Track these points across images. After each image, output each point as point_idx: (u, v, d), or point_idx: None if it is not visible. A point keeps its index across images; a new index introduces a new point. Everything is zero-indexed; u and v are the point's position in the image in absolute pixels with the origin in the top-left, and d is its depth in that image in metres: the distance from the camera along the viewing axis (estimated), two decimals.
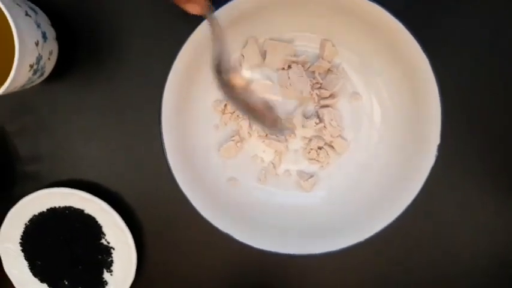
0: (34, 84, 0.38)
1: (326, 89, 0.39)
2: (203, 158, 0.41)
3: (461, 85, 0.40)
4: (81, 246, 0.46)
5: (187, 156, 0.39)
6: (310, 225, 0.40)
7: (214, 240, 0.42)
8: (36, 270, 0.47)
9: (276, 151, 0.42)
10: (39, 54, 0.35)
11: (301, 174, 0.42)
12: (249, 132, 0.41)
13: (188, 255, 0.45)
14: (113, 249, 0.45)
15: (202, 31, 0.34)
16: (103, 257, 0.46)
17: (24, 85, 0.35)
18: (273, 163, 0.42)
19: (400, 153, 0.38)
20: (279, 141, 0.41)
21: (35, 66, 0.34)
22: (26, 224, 0.45)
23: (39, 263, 0.47)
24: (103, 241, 0.45)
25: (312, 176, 0.41)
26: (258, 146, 0.42)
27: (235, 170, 0.42)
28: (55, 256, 0.46)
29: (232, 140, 0.41)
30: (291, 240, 0.39)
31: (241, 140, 0.41)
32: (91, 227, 0.45)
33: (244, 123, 0.40)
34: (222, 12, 0.33)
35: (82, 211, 0.44)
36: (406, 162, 0.38)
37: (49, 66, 0.38)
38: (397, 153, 0.39)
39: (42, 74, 0.37)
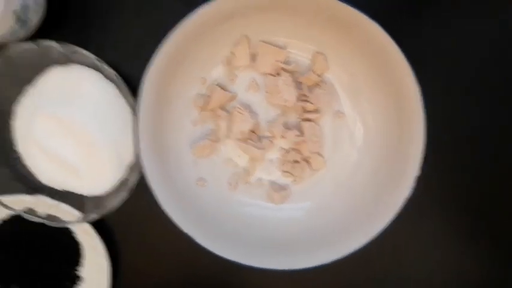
0: (16, 37, 0.35)
1: (311, 103, 0.38)
2: (176, 154, 0.39)
3: (449, 122, 0.40)
4: (52, 264, 0.44)
5: (160, 149, 0.37)
6: (274, 238, 0.39)
7: (181, 240, 0.40)
8: None
9: (251, 158, 0.40)
10: (25, 1, 0.32)
11: (273, 185, 0.40)
12: (226, 134, 0.40)
13: (153, 255, 0.43)
14: (81, 280, 0.44)
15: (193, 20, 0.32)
16: (66, 284, 0.44)
17: (4, 35, 0.33)
18: (246, 169, 0.40)
19: (377, 177, 0.37)
20: (256, 147, 0.39)
21: (19, 13, 0.32)
22: None
23: None
24: (77, 270, 0.44)
25: (284, 189, 0.40)
26: (234, 149, 0.40)
27: (206, 171, 0.40)
28: (18, 262, 0.44)
29: (208, 139, 0.39)
30: (252, 251, 0.37)
31: (217, 140, 0.40)
32: (70, 248, 0.43)
33: (223, 123, 0.39)
34: (214, 5, 0.32)
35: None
36: (381, 188, 0.37)
37: (35, 17, 0.35)
38: (373, 177, 0.38)
39: (26, 25, 0.34)
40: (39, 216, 0.38)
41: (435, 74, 0.40)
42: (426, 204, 0.41)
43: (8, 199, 0.38)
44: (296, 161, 0.40)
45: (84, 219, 0.38)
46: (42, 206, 0.40)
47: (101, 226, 0.43)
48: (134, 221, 0.43)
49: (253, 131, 0.40)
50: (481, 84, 0.40)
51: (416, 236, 0.42)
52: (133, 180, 0.37)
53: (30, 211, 0.39)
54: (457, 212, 0.42)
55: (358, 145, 0.39)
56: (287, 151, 0.40)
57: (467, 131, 0.41)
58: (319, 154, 0.40)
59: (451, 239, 0.42)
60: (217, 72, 0.39)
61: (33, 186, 0.40)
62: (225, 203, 0.40)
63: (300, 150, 0.40)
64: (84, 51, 0.35)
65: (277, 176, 0.40)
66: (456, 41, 0.39)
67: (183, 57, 0.35)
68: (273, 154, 0.40)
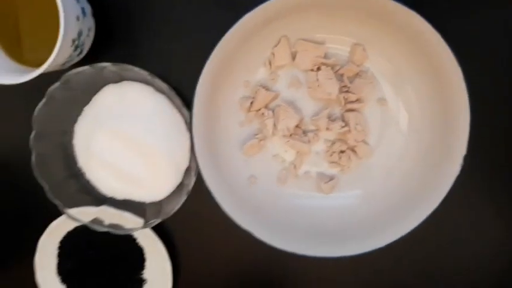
0: (72, 63, 0.38)
1: (353, 93, 0.40)
2: (227, 155, 0.41)
3: (492, 101, 0.40)
4: (118, 270, 0.47)
5: (212, 152, 0.39)
6: (326, 227, 0.40)
7: (236, 237, 0.42)
8: (65, 280, 0.48)
9: (298, 152, 0.42)
10: (80, 29, 0.35)
11: (321, 176, 0.42)
12: (273, 132, 0.41)
13: (211, 252, 0.45)
14: (145, 282, 0.46)
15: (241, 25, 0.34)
16: (133, 287, 0.47)
17: (64, 63, 0.35)
18: (294, 164, 0.42)
19: (425, 161, 0.38)
20: (302, 142, 0.41)
21: (76, 42, 0.34)
22: (63, 236, 0.46)
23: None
24: (142, 273, 0.46)
25: (332, 179, 0.41)
26: (281, 145, 0.42)
27: (256, 169, 0.42)
28: (86, 271, 0.47)
29: (256, 138, 0.41)
30: (307, 241, 0.39)
31: (264, 138, 0.41)
32: (133, 254, 0.46)
33: (269, 121, 0.41)
34: (258, 11, 0.33)
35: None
36: (430, 171, 0.38)
37: (88, 43, 0.38)
38: (421, 161, 0.39)
39: (81, 52, 0.37)
40: (104, 226, 0.41)
41: (476, 58, 0.40)
42: (474, 186, 0.42)
43: (74, 211, 0.41)
44: (342, 151, 0.41)
45: (146, 226, 0.40)
46: (106, 216, 0.42)
47: (161, 229, 0.45)
48: (192, 222, 0.45)
49: (298, 126, 0.41)
50: None
51: (465, 216, 0.43)
52: (190, 183, 0.40)
53: (96, 221, 0.41)
54: (505, 191, 0.42)
55: (403, 131, 0.40)
56: (333, 142, 0.41)
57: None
58: (365, 142, 0.41)
59: (499, 220, 0.42)
60: (260, 74, 0.40)
61: (97, 198, 0.43)
62: (276, 197, 0.42)
63: (345, 140, 0.41)
64: (136, 68, 0.37)
65: (325, 167, 0.42)
66: (495, 29, 0.39)
67: (229, 65, 0.37)
68: (319, 146, 0.42)
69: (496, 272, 0.44)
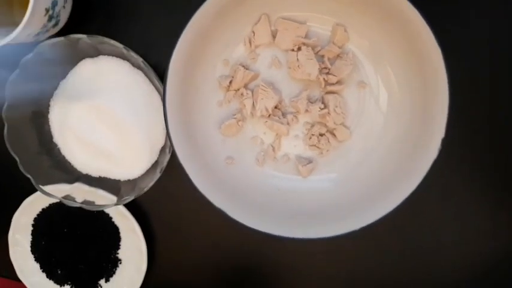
0: (48, 35, 0.37)
1: (334, 75, 0.39)
2: (204, 134, 0.40)
3: (473, 80, 0.40)
4: (92, 248, 0.46)
5: (188, 130, 0.38)
6: (303, 209, 0.40)
7: (213, 217, 0.42)
8: (39, 258, 0.47)
9: (277, 134, 0.41)
10: None
11: (299, 159, 0.41)
12: (251, 112, 0.41)
13: (186, 232, 0.45)
14: (120, 262, 0.46)
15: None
16: (108, 266, 0.46)
17: (38, 33, 0.35)
18: (272, 146, 0.41)
19: (403, 144, 0.38)
20: (281, 123, 0.40)
21: (50, 11, 0.34)
22: (37, 213, 0.46)
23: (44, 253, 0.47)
24: (117, 253, 0.46)
25: (310, 162, 0.41)
26: (260, 127, 0.41)
27: (234, 150, 0.41)
28: (61, 248, 0.46)
29: (234, 118, 0.40)
30: (283, 222, 0.38)
31: (243, 119, 0.41)
32: (109, 232, 0.46)
33: (247, 101, 0.40)
34: None
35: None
36: (408, 153, 0.37)
37: (64, 15, 0.37)
38: (399, 144, 0.38)
39: (56, 24, 0.36)
40: (77, 202, 0.40)
41: (457, 40, 0.39)
42: (452, 168, 0.41)
43: (48, 188, 0.41)
44: (321, 134, 0.41)
45: (119, 202, 0.40)
46: (80, 193, 0.42)
47: (137, 210, 0.44)
48: (168, 202, 0.44)
49: (277, 108, 0.40)
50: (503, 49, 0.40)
51: (443, 199, 0.42)
52: (164, 160, 0.39)
53: (69, 197, 0.40)
54: (483, 174, 0.42)
55: (383, 112, 0.39)
56: (312, 125, 0.41)
57: (491, 92, 0.40)
58: (344, 125, 0.40)
59: (479, 202, 0.42)
60: (239, 53, 0.40)
61: (72, 175, 0.42)
62: (253, 178, 0.41)
63: (324, 123, 0.40)
64: (112, 41, 0.36)
65: (303, 150, 0.41)
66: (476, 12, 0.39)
67: (206, 41, 0.36)
68: (298, 129, 0.41)
69: (477, 259, 0.43)
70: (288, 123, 0.40)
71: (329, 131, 0.40)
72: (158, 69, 0.40)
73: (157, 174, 0.39)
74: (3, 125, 0.38)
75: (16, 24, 0.32)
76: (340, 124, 0.40)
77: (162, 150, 0.40)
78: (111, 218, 0.45)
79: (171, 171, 0.39)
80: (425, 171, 0.35)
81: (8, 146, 0.38)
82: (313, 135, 0.41)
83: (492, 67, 0.40)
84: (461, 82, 0.37)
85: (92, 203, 0.40)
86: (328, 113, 0.39)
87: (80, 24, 0.40)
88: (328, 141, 0.40)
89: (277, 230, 0.37)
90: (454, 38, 0.39)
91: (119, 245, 0.46)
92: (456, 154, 0.41)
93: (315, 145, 0.41)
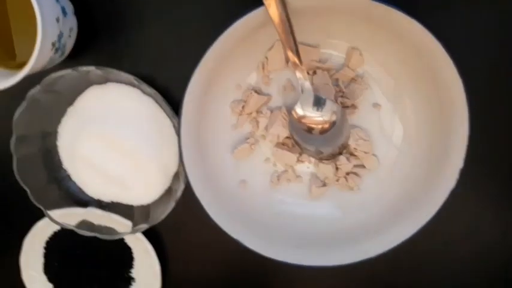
0: (54, 64, 0.36)
1: (348, 98, 0.38)
2: (216, 158, 0.39)
3: (492, 111, 0.39)
4: (105, 268, 0.46)
5: (202, 156, 0.38)
6: (317, 235, 0.40)
7: (226, 243, 0.41)
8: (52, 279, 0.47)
9: (286, 164, 0.40)
10: (61, 31, 0.33)
11: (314, 179, 0.41)
12: (263, 135, 0.40)
13: (199, 255, 0.45)
14: (134, 280, 0.46)
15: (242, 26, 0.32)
16: (121, 285, 0.46)
17: (45, 66, 0.33)
18: (285, 168, 0.41)
19: (419, 171, 0.37)
20: (291, 152, 0.39)
21: (56, 45, 0.32)
22: (49, 236, 0.46)
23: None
24: (130, 272, 0.46)
25: (324, 185, 0.41)
26: (272, 149, 0.41)
27: (247, 173, 0.41)
28: (73, 269, 0.47)
29: (247, 142, 0.40)
30: (298, 249, 0.38)
31: (256, 142, 0.40)
32: (121, 252, 0.45)
33: (262, 121, 0.39)
34: (252, 16, 0.32)
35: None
36: (424, 182, 0.37)
37: (69, 43, 0.36)
38: (414, 171, 0.38)
39: (63, 53, 0.35)
40: (90, 230, 0.40)
41: (478, 69, 0.38)
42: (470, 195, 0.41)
43: (59, 212, 0.40)
44: (348, 173, 0.40)
45: (134, 231, 0.40)
46: (93, 218, 0.41)
47: (150, 234, 0.44)
48: (182, 228, 0.44)
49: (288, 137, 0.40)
50: None
51: (460, 226, 0.42)
52: (178, 189, 0.38)
53: (83, 223, 0.40)
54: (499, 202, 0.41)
55: (398, 140, 0.39)
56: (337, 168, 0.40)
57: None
58: (373, 154, 0.39)
59: (496, 230, 0.42)
60: (253, 78, 0.39)
61: (83, 201, 0.41)
62: (266, 202, 0.41)
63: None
64: (122, 73, 0.35)
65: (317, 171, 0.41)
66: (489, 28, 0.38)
67: (220, 68, 0.35)
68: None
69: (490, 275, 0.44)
70: (299, 153, 0.40)
71: (355, 166, 0.40)
72: (168, 93, 0.39)
73: (171, 203, 0.38)
74: (12, 157, 0.37)
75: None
76: (369, 153, 0.39)
77: (176, 176, 0.40)
78: (123, 238, 0.45)
79: (185, 198, 0.38)
80: (442, 201, 0.35)
81: (18, 178, 0.37)
82: (339, 177, 0.40)
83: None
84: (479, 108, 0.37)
85: (106, 229, 0.40)
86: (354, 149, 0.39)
87: (85, 49, 0.39)
88: (358, 175, 0.40)
89: (293, 258, 0.37)
90: (470, 67, 0.38)
91: (132, 264, 0.46)
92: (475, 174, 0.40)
93: (347, 186, 0.40)
